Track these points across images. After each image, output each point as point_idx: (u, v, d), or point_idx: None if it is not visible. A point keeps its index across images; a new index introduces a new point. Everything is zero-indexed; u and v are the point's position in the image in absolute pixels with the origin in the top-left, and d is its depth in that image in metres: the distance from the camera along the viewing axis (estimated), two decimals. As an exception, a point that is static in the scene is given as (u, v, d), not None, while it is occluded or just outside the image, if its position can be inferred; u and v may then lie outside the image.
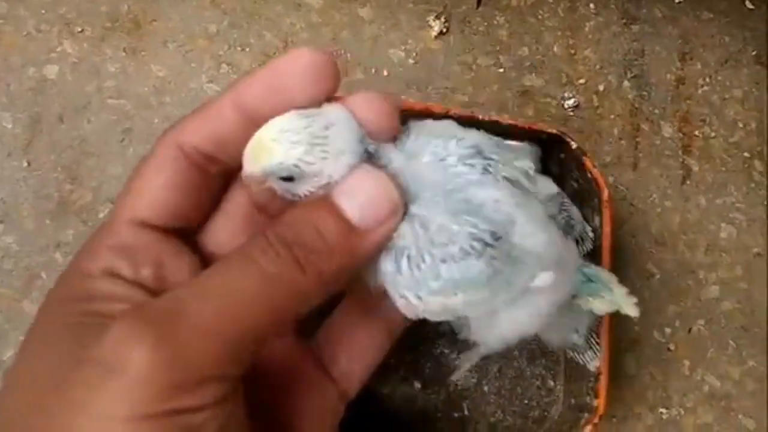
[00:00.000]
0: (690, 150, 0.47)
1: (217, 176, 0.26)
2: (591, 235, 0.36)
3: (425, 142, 0.26)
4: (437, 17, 0.47)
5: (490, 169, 0.26)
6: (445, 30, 0.47)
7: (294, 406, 0.28)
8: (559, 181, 0.37)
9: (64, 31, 0.43)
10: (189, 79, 0.43)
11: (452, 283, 0.24)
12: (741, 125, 0.48)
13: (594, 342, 0.36)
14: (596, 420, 0.35)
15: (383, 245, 0.24)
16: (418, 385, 0.40)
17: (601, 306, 0.31)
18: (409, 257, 0.24)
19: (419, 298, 0.25)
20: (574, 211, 0.33)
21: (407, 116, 0.27)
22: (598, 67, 0.48)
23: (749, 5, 0.51)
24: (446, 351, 0.40)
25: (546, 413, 0.40)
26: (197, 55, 0.44)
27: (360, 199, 0.23)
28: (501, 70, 0.47)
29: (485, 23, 0.47)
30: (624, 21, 0.49)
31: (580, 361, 0.36)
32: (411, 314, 0.26)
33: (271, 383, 0.27)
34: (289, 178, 0.24)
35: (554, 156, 0.40)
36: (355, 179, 0.24)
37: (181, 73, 0.43)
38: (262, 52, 0.44)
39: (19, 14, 0.43)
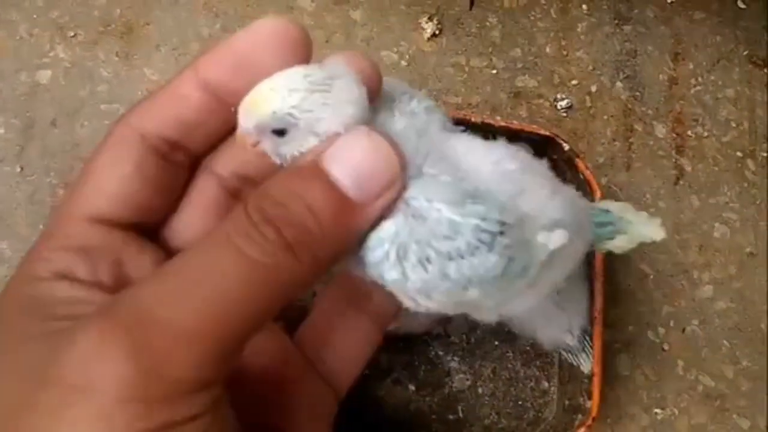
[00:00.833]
0: (683, 150, 0.47)
1: (182, 164, 0.23)
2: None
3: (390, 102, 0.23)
4: (430, 19, 0.47)
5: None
6: (437, 32, 0.47)
7: (284, 405, 0.26)
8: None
9: (56, 36, 0.43)
10: (182, 82, 0.43)
11: (464, 281, 0.22)
12: (734, 125, 0.48)
13: (588, 343, 0.36)
14: (590, 422, 0.35)
15: (377, 223, 0.21)
16: (412, 387, 0.40)
17: (621, 244, 0.29)
18: (413, 257, 0.21)
19: (429, 298, 0.22)
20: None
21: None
22: (590, 67, 0.48)
23: (741, 4, 0.51)
24: (440, 353, 0.40)
25: (540, 415, 0.40)
26: (190, 58, 0.44)
27: (355, 165, 0.20)
28: (494, 71, 0.47)
29: (478, 25, 0.47)
30: (616, 22, 0.49)
31: (574, 363, 0.36)
32: (419, 310, 0.23)
33: (257, 383, 0.25)
34: (280, 132, 0.20)
35: (547, 157, 0.40)
36: (348, 141, 0.20)
37: (174, 77, 0.43)
38: (254, 55, 0.44)
39: (11, 18, 0.43)
